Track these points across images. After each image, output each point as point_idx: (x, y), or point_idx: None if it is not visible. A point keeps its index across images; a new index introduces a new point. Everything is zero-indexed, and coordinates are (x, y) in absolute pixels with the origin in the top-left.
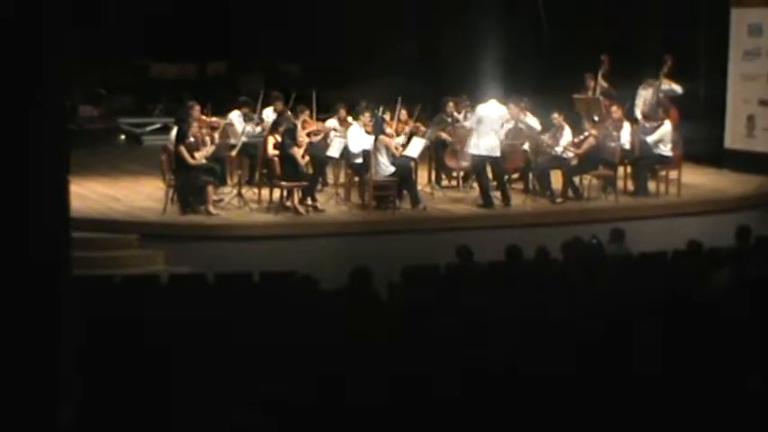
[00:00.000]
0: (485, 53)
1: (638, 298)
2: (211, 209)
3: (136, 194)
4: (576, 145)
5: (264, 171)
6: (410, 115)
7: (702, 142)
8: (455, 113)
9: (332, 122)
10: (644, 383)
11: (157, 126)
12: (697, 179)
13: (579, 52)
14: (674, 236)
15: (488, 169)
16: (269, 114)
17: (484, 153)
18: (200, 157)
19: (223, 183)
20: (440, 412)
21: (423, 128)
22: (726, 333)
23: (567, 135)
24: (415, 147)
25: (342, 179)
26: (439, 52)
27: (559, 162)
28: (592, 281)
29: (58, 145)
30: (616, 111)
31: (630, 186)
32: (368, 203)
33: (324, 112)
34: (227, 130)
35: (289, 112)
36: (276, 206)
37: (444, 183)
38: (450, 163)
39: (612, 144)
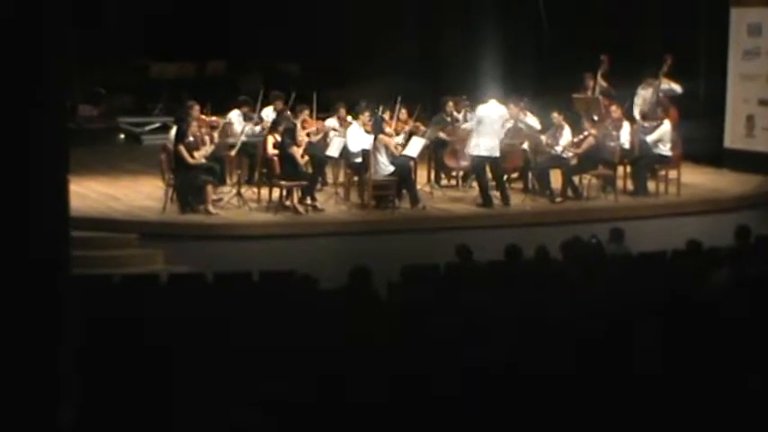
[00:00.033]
0: (485, 53)
1: (637, 298)
2: (211, 208)
3: (135, 194)
4: (576, 144)
5: (264, 170)
6: (410, 115)
7: (702, 142)
8: (455, 113)
9: (331, 122)
10: (644, 383)
11: (157, 125)
12: (696, 179)
13: (579, 52)
14: (674, 235)
15: (487, 169)
16: (268, 114)
17: (484, 154)
18: (200, 156)
19: (222, 182)
20: (440, 412)
21: (422, 127)
22: (725, 333)
23: (566, 135)
24: (415, 146)
25: (341, 178)
26: (439, 52)
27: (559, 161)
28: (591, 280)
29: (57, 144)
30: (615, 110)
31: (630, 186)
32: (367, 203)
33: (324, 112)
34: (227, 130)
35: (288, 112)
36: (275, 205)
37: (444, 182)
38: (450, 162)
39: (612, 144)
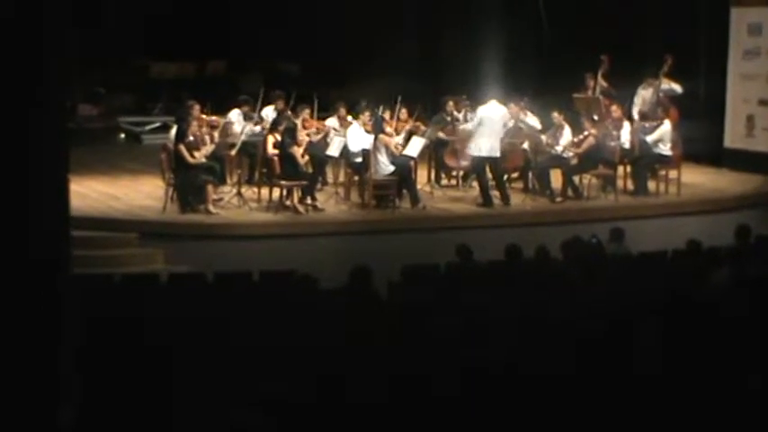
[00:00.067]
0: (485, 53)
1: (637, 297)
2: (211, 208)
3: (135, 193)
4: (576, 144)
5: (264, 170)
6: (410, 115)
7: (702, 142)
8: (455, 113)
9: (331, 121)
10: (644, 383)
11: (157, 125)
12: (696, 179)
13: (579, 52)
14: (674, 235)
15: (487, 169)
16: (269, 113)
17: (485, 154)
18: (200, 156)
19: (223, 182)
20: (440, 412)
21: (422, 127)
22: (725, 333)
23: (566, 134)
24: (415, 146)
25: (341, 178)
26: (439, 52)
27: (559, 161)
28: (591, 280)
29: (57, 144)
30: (616, 110)
31: (630, 186)
32: (367, 202)
33: (324, 112)
34: (227, 129)
35: (289, 112)
36: (276, 205)
37: (444, 182)
38: (450, 162)
39: (612, 143)
